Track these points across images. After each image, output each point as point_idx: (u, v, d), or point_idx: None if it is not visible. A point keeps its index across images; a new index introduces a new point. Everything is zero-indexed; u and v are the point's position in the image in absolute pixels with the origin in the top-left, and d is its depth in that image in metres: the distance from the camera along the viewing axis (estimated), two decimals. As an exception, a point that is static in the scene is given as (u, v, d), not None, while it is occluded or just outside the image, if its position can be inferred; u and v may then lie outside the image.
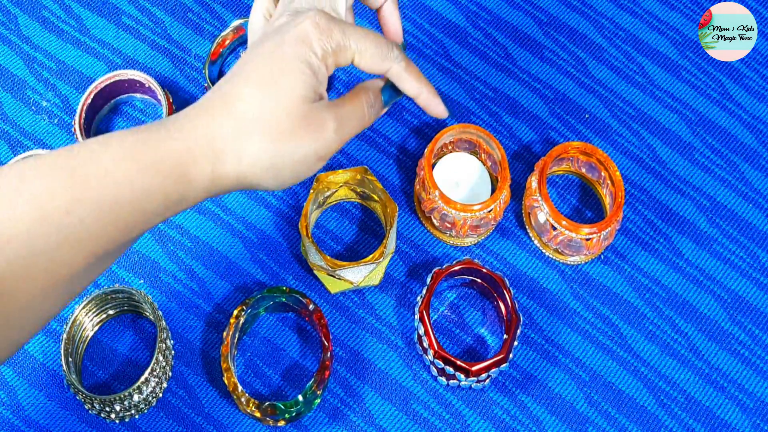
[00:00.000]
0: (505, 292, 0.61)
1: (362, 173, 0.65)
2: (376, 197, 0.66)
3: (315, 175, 0.64)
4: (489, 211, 0.62)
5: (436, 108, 0.49)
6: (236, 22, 0.71)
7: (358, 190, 0.67)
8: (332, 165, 0.69)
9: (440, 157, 0.67)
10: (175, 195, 0.42)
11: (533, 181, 0.65)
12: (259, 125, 0.43)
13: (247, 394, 0.58)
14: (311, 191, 0.64)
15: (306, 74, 0.43)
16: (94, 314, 0.63)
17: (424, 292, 0.61)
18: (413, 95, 0.49)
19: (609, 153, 0.71)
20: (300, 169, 0.45)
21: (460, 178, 0.66)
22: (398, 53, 0.47)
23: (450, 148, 0.67)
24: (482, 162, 0.67)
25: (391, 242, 0.64)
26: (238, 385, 0.58)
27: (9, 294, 0.37)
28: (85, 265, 0.40)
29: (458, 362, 0.58)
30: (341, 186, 0.67)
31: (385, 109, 0.50)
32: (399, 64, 0.47)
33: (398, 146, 0.70)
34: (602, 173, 0.67)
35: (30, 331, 0.41)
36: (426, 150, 0.63)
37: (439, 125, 0.71)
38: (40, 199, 0.38)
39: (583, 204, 0.69)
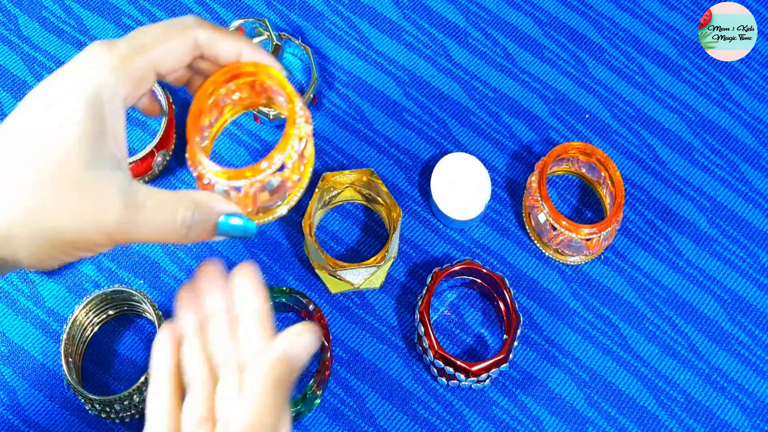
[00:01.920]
0: (505, 292, 0.61)
1: (368, 175, 0.64)
2: (381, 200, 0.66)
3: (321, 175, 0.63)
4: (275, 172, 0.41)
5: (270, 61, 0.41)
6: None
7: (364, 192, 0.67)
8: (336, 166, 0.69)
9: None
10: None
11: (533, 181, 0.65)
12: (13, 175, 0.33)
13: (247, 395, 0.58)
14: (316, 190, 0.64)
15: (81, 106, 0.34)
16: (94, 314, 0.63)
17: (424, 292, 0.61)
18: (234, 56, 0.40)
19: (609, 153, 0.71)
20: (76, 243, 0.35)
21: (460, 178, 0.66)
22: (194, 19, 0.39)
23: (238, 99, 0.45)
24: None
25: (393, 246, 0.64)
26: (239, 385, 0.58)
27: None
28: None
29: (458, 362, 0.58)
30: (347, 187, 0.66)
31: (219, 238, 0.41)
32: (203, 30, 0.38)
33: (399, 147, 0.70)
34: (602, 173, 0.67)
35: None
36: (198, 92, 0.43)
37: (439, 125, 0.71)
38: None
39: (583, 204, 0.69)
